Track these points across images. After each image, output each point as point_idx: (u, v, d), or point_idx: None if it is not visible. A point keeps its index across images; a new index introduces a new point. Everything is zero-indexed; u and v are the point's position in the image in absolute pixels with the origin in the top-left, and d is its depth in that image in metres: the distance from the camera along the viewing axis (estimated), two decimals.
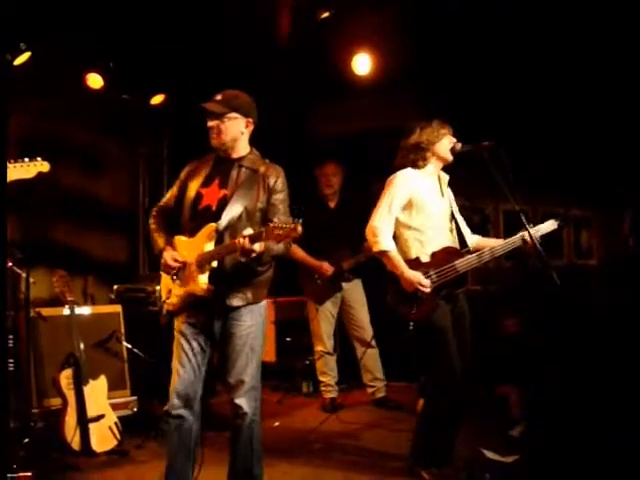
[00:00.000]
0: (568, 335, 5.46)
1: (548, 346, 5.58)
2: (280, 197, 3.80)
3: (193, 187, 3.81)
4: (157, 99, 6.92)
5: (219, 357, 3.85)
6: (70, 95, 6.37)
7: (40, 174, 3.67)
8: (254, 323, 3.75)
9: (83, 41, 5.88)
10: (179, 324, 3.77)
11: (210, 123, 3.78)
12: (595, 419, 4.63)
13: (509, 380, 5.53)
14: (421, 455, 4.27)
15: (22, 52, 5.56)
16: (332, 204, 6.27)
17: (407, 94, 6.43)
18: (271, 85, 6.68)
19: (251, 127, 3.86)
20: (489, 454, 4.38)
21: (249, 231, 3.48)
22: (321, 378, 6.29)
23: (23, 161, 3.60)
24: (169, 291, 3.77)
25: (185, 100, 6.59)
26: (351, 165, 6.40)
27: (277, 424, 5.73)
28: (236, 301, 3.70)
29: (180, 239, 3.80)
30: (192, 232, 3.74)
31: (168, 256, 3.72)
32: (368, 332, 6.16)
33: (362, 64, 6.50)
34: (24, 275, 4.97)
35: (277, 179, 3.81)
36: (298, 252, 6.07)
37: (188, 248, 3.72)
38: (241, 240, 3.45)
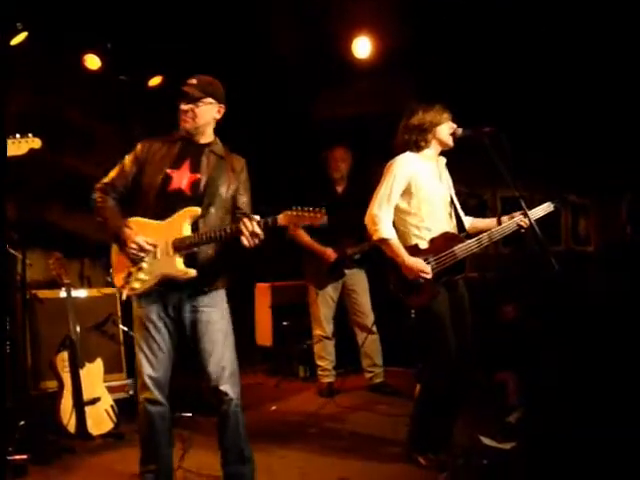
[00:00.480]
0: (566, 321, 5.45)
1: (546, 332, 5.57)
2: (247, 186, 3.85)
3: (158, 168, 3.72)
4: (155, 81, 6.87)
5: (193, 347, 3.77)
6: (67, 76, 6.31)
7: (32, 150, 3.64)
8: (223, 309, 3.79)
9: (81, 22, 5.83)
10: (144, 309, 3.70)
11: (184, 107, 3.74)
12: (593, 405, 4.62)
13: (507, 366, 5.52)
14: (418, 441, 4.29)
15: (19, 32, 5.51)
16: (339, 189, 6.24)
17: (407, 78, 6.40)
18: (271, 68, 6.66)
19: (222, 113, 3.85)
20: (486, 441, 4.37)
21: (256, 217, 3.47)
22: (319, 362, 6.28)
23: (14, 137, 3.56)
24: (129, 274, 3.67)
25: (183, 82, 6.57)
26: (351, 148, 6.36)
27: (274, 408, 5.73)
28: (207, 286, 3.71)
29: (143, 221, 3.68)
30: (160, 215, 3.66)
31: (141, 239, 3.60)
32: (369, 318, 6.15)
33: (362, 47, 6.46)
34: (20, 257, 4.95)
35: (243, 169, 3.85)
36: (303, 236, 6.08)
37: (156, 231, 3.64)
38: (253, 225, 3.43)
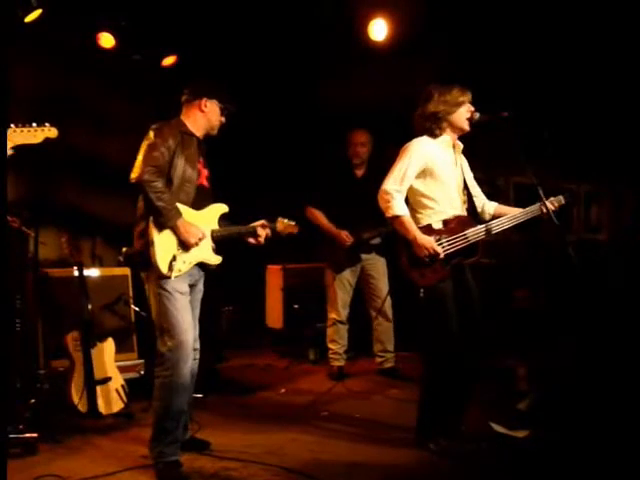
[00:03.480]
0: (579, 308, 5.42)
1: (558, 318, 5.55)
2: None
3: (189, 162, 4.00)
4: (169, 60, 6.83)
5: None
6: (81, 54, 6.28)
7: (47, 139, 3.63)
8: None
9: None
10: (178, 285, 3.93)
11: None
12: (605, 394, 4.59)
13: (517, 353, 5.50)
14: (427, 426, 4.27)
15: (33, 9, 5.48)
16: (359, 172, 6.16)
17: (424, 61, 6.34)
18: (286, 49, 6.61)
19: None
20: (498, 428, 4.35)
21: (263, 221, 4.27)
22: (330, 345, 6.25)
23: (30, 126, 3.55)
24: (173, 258, 3.91)
25: (196, 62, 6.53)
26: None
27: (284, 391, 5.72)
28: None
29: (185, 209, 3.98)
30: (194, 205, 4.04)
31: (200, 229, 3.98)
32: (386, 303, 6.12)
33: (379, 30, 6.40)
34: (33, 235, 4.94)
35: None
36: (321, 218, 6.08)
37: (196, 219, 4.02)
38: (268, 232, 4.25)
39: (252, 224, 4.28)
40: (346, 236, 5.99)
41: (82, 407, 4.77)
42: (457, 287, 4.20)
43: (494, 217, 4.37)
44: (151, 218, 3.86)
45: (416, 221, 4.19)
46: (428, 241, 4.08)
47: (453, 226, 4.18)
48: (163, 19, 6.18)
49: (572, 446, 4.01)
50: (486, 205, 4.49)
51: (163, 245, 3.87)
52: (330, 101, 7.26)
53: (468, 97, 4.24)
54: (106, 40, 6.31)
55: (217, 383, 5.54)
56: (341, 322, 6.20)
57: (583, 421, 4.26)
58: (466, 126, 4.26)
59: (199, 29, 6.32)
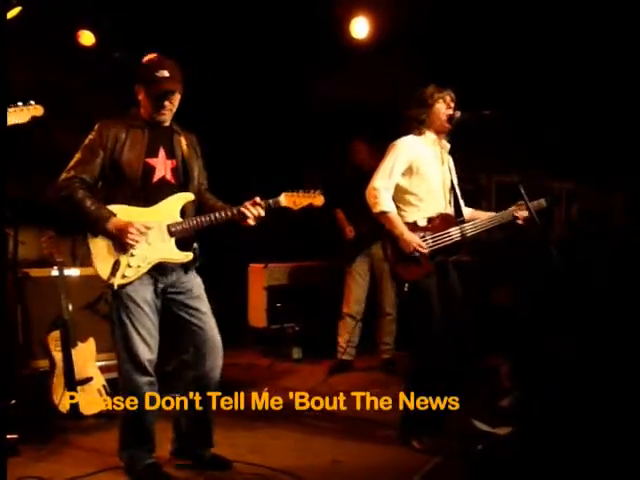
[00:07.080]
0: (560, 306, 5.44)
1: (539, 317, 5.56)
2: (202, 162, 3.94)
3: (135, 157, 3.66)
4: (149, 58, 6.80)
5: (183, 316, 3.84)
6: (62, 52, 6.24)
7: (34, 118, 3.60)
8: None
9: None
10: (138, 292, 3.67)
11: (169, 104, 3.69)
12: (588, 391, 4.62)
13: (499, 350, 5.51)
14: (411, 423, 4.29)
15: (12, 6, 5.43)
16: (364, 170, 6.21)
17: (407, 59, 6.36)
18: (269, 49, 6.61)
19: None
20: (480, 425, 4.36)
21: (257, 198, 3.69)
22: (338, 338, 6.41)
23: (16, 105, 3.53)
24: (116, 263, 3.61)
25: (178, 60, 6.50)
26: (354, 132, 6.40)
27: (267, 390, 5.70)
28: (192, 266, 3.84)
29: (126, 208, 3.65)
30: (145, 203, 3.67)
31: (139, 225, 3.59)
32: (388, 296, 6.25)
33: (360, 28, 6.41)
34: (12, 234, 4.90)
35: (197, 142, 3.94)
36: (338, 213, 6.37)
37: (142, 217, 3.64)
38: (258, 210, 3.70)
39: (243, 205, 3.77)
40: (349, 231, 6.24)
41: (63, 407, 4.73)
42: (441, 285, 4.26)
43: (469, 221, 4.41)
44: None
45: (401, 217, 4.25)
46: (414, 238, 4.15)
47: (437, 224, 4.26)
48: (146, 17, 6.16)
49: (557, 443, 4.02)
50: (463, 210, 4.52)
51: (100, 251, 3.64)
52: (315, 99, 7.26)
53: (444, 95, 4.29)
54: (86, 38, 6.28)
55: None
56: (350, 316, 6.34)
57: (568, 418, 4.28)
58: (445, 124, 4.31)
59: (180, 27, 6.29)
